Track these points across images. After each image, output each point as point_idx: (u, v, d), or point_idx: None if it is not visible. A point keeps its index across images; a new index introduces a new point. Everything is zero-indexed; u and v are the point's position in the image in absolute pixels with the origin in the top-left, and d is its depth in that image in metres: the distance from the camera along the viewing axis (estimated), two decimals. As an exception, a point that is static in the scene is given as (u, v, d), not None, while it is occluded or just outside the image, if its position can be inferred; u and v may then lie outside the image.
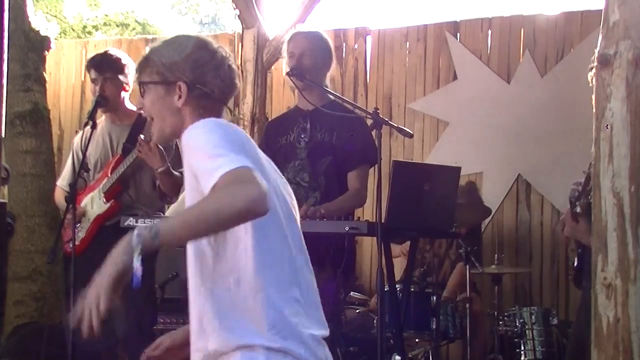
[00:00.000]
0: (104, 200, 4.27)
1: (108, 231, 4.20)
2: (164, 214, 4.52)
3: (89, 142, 4.11)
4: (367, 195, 3.81)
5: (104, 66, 4.32)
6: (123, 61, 4.36)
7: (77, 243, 4.22)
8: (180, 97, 2.10)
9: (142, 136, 4.13)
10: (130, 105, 4.44)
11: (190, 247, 1.96)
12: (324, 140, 3.75)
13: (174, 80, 2.11)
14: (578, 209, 3.61)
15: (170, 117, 2.13)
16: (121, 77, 4.35)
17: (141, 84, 2.17)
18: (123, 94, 4.37)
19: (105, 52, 4.45)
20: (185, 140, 1.94)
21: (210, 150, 1.85)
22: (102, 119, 4.28)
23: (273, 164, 2.10)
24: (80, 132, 4.58)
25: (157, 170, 4.15)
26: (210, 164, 1.81)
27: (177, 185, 4.33)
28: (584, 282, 3.82)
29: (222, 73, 2.16)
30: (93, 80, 4.31)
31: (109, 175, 4.28)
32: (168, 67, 2.13)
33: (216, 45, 2.19)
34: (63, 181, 4.52)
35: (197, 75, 2.12)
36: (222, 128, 1.94)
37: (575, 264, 3.94)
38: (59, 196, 4.54)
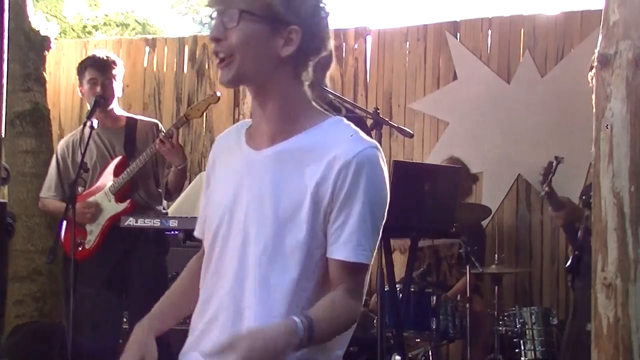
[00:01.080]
0: (116, 201, 4.27)
1: (119, 232, 4.18)
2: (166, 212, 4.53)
3: (87, 143, 4.11)
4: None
5: (107, 67, 4.34)
6: (120, 66, 4.41)
7: (88, 247, 4.23)
8: (287, 44, 1.68)
9: (162, 133, 4.18)
10: (119, 111, 4.48)
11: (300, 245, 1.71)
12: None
13: (287, 21, 1.68)
14: (542, 193, 3.77)
15: (264, 64, 1.70)
16: (118, 81, 4.39)
17: (241, 12, 1.68)
18: (115, 98, 4.41)
19: (106, 55, 4.48)
20: (368, 170, 1.68)
21: (372, 222, 1.70)
22: (88, 124, 4.25)
23: None
24: (65, 138, 4.59)
25: (178, 167, 4.20)
26: (361, 236, 1.68)
27: (183, 183, 4.38)
28: (577, 282, 3.83)
29: (328, 29, 1.77)
30: (91, 80, 4.32)
31: (115, 177, 4.28)
32: (285, 2, 1.68)
33: None
34: (49, 192, 4.47)
35: (313, 25, 1.71)
36: (387, 199, 1.74)
37: (568, 263, 3.97)
38: (49, 205, 4.49)
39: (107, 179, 4.32)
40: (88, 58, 4.50)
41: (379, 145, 1.73)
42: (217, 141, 1.95)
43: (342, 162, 1.67)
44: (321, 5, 1.74)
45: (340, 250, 1.69)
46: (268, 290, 1.69)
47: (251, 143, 1.80)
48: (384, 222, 1.75)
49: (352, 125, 1.77)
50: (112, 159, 4.34)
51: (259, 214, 1.72)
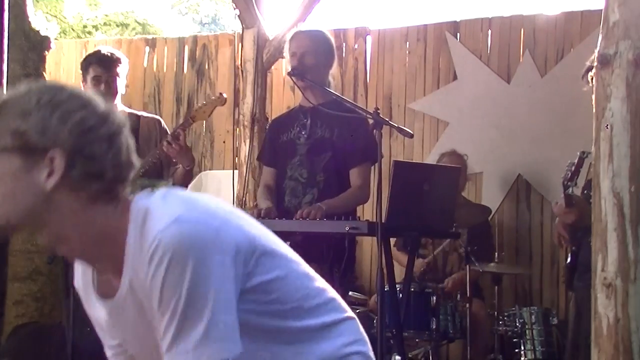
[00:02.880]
0: None
1: None
2: None
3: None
4: (370, 192, 3.82)
5: (111, 64, 4.32)
6: (125, 63, 4.39)
7: None
8: (51, 174, 1.40)
9: (168, 134, 4.14)
10: (121, 107, 4.46)
11: None
12: (324, 136, 3.76)
13: (42, 147, 1.40)
14: (570, 190, 3.65)
15: (27, 201, 1.41)
16: (122, 78, 4.38)
17: None
18: (119, 95, 4.40)
19: (110, 51, 4.46)
20: (168, 260, 1.38)
21: (186, 310, 1.37)
22: None
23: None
24: None
25: (187, 168, 4.16)
26: (181, 337, 1.37)
27: (189, 184, 4.38)
28: (576, 282, 3.80)
29: (118, 145, 1.47)
30: (95, 78, 4.30)
31: None
32: (34, 127, 1.40)
33: (107, 106, 1.48)
34: None
35: (81, 145, 1.42)
36: (222, 266, 1.40)
37: (568, 261, 3.93)
38: None
39: None
40: (92, 54, 4.46)
41: (189, 214, 1.42)
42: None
43: (148, 254, 1.41)
44: (94, 119, 1.45)
45: None
46: None
47: (101, 293, 1.59)
48: (212, 301, 1.41)
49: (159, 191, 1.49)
50: None
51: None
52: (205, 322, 1.37)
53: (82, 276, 1.65)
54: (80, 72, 4.44)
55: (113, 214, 1.46)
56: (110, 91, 4.27)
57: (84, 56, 4.87)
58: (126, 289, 1.48)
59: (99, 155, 1.43)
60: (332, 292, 1.70)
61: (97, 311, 1.61)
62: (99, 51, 4.47)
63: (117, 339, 1.66)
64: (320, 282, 1.68)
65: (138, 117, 4.45)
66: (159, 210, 1.44)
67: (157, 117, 4.61)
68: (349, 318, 1.70)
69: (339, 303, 1.70)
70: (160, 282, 1.39)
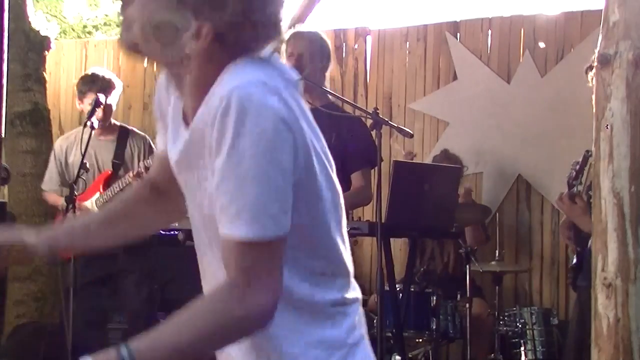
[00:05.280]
0: None
1: None
2: None
3: (88, 143, 4.13)
4: (372, 194, 3.82)
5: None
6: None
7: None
8: (201, 36, 1.40)
9: (145, 162, 4.33)
10: (114, 120, 4.64)
11: None
12: (322, 140, 3.77)
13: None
14: (575, 190, 3.62)
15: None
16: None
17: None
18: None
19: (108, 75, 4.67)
20: (236, 113, 1.31)
21: (253, 182, 1.30)
22: (88, 124, 4.37)
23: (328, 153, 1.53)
24: (63, 138, 4.74)
25: None
26: (233, 207, 1.30)
27: None
28: (579, 282, 3.81)
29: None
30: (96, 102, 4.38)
31: (102, 192, 4.36)
32: None
33: None
34: (51, 184, 4.63)
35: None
36: (275, 150, 1.32)
37: (574, 261, 3.94)
38: (53, 198, 4.62)
39: (96, 191, 4.43)
40: (91, 81, 4.60)
41: (269, 81, 1.40)
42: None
43: (213, 108, 1.35)
44: None
45: (219, 223, 1.34)
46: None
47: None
48: (287, 177, 1.34)
49: (257, 64, 1.45)
50: (102, 172, 4.48)
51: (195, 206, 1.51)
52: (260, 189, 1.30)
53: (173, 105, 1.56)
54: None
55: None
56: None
57: (82, 58, 4.94)
58: (190, 133, 1.44)
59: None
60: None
61: (176, 147, 1.52)
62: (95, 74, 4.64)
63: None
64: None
65: (129, 131, 4.62)
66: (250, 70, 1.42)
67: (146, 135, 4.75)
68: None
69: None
70: (218, 130, 1.32)
